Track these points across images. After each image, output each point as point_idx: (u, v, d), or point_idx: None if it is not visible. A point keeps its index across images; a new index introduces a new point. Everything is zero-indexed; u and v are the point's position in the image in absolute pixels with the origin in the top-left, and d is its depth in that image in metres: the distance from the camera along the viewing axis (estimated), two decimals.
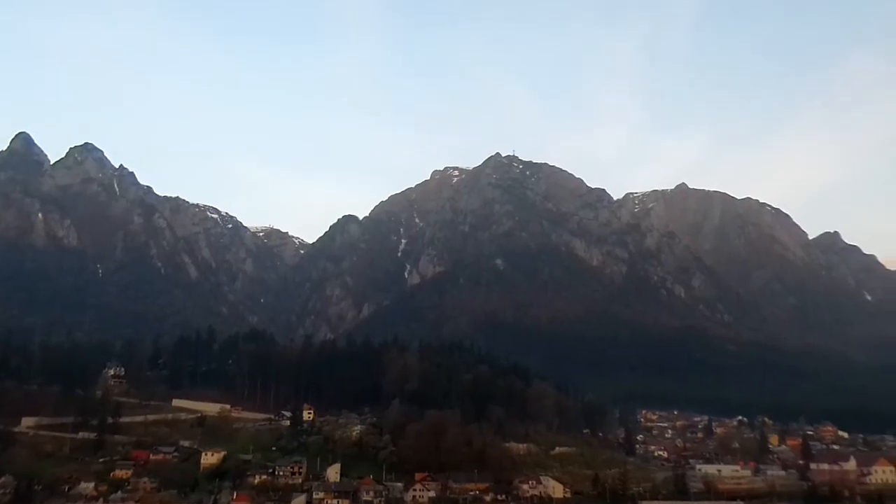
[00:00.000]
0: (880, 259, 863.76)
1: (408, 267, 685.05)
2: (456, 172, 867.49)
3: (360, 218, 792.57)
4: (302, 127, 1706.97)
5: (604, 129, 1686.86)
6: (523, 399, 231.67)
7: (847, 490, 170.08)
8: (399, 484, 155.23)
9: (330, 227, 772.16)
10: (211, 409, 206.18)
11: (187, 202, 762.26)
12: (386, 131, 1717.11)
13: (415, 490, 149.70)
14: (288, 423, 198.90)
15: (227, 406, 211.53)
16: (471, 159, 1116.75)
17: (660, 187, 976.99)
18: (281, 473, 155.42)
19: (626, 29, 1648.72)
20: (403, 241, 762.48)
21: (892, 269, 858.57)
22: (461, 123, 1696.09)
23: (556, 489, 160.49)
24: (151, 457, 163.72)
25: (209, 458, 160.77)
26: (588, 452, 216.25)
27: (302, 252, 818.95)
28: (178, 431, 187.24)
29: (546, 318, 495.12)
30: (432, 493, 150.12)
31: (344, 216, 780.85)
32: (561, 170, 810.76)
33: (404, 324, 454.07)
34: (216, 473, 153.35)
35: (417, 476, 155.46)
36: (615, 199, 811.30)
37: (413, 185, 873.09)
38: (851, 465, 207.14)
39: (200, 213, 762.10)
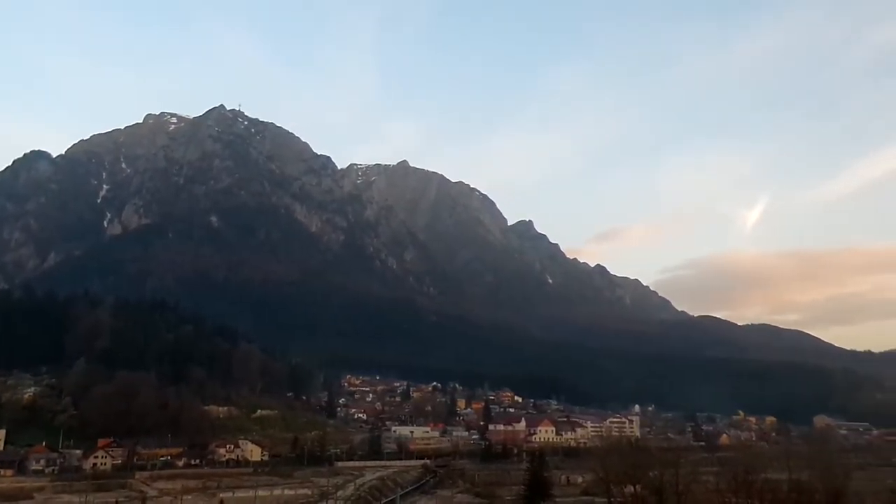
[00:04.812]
0: (562, 248, 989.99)
1: (108, 215, 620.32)
2: (174, 120, 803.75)
3: (54, 155, 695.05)
4: None
5: (336, 97, 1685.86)
6: (228, 361, 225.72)
7: (516, 447, 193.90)
8: (78, 451, 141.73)
9: (13, 162, 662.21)
10: None
11: None
12: (94, 65, 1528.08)
13: (96, 457, 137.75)
14: None
15: None
16: (192, 108, 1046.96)
17: (383, 162, 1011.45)
18: None
19: (369, 2, 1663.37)
20: (105, 186, 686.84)
21: (571, 257, 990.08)
22: (183, 68, 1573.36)
23: (254, 452, 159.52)
24: None
25: None
26: (290, 415, 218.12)
27: None
28: None
29: (259, 279, 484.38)
30: (117, 460, 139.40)
31: (32, 151, 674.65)
32: (288, 132, 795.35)
33: (99, 277, 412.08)
34: None
35: (101, 442, 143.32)
36: (340, 167, 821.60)
37: (122, 127, 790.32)
38: (521, 425, 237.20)
39: None
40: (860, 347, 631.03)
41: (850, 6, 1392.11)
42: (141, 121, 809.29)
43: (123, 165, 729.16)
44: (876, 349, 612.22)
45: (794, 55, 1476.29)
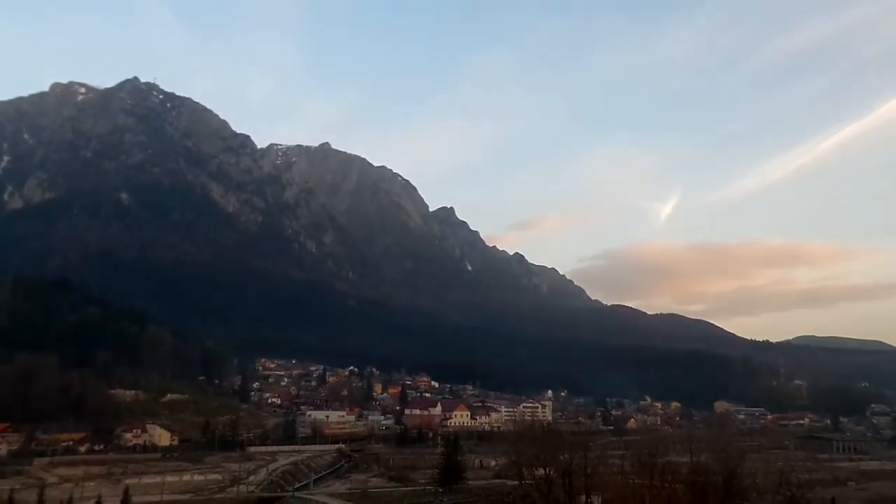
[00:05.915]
0: (482, 235, 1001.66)
1: (9, 188, 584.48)
2: (83, 90, 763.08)
3: None
4: None
5: (257, 75, 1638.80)
6: (136, 344, 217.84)
7: (432, 432, 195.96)
8: None
9: None
10: None
11: None
12: None
13: None
14: None
15: None
16: (102, 79, 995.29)
17: (304, 143, 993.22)
18: None
19: None
20: (6, 157, 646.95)
21: (491, 245, 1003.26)
22: (94, 36, 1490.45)
23: (163, 437, 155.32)
24: None
25: None
26: (202, 399, 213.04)
27: None
28: None
29: (172, 260, 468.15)
30: (14, 446, 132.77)
31: None
32: (206, 108, 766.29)
33: None
34: None
35: None
36: (259, 147, 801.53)
37: (25, 95, 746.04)
38: (437, 410, 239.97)
39: None
40: (759, 337, 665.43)
41: (761, 10, 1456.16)
42: (47, 89, 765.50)
43: (26, 136, 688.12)
44: (773, 339, 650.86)
45: (702, 56, 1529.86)
